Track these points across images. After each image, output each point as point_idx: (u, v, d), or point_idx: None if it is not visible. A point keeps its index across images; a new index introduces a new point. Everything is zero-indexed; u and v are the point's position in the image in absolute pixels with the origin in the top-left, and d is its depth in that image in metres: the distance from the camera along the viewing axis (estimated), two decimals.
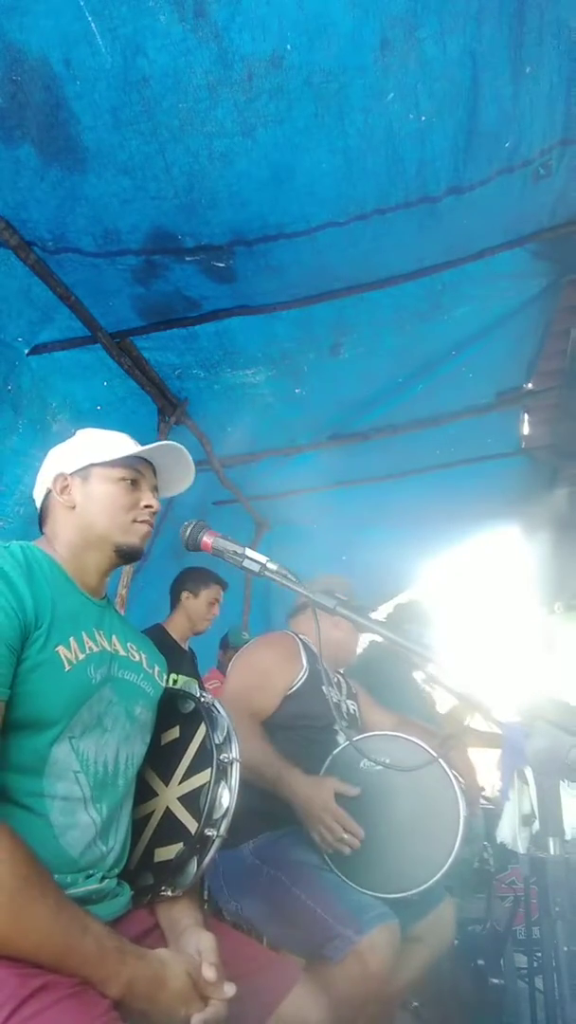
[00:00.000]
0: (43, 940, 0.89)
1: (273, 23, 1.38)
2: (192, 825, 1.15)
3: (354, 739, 1.82)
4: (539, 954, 1.97)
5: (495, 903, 2.45)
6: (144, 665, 1.28)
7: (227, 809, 1.15)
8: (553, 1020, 1.39)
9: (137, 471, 1.29)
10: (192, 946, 1.06)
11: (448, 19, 1.44)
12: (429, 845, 1.60)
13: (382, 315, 2.45)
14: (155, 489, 1.33)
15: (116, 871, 1.14)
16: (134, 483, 1.28)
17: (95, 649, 1.15)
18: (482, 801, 2.56)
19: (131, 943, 0.97)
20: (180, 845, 1.15)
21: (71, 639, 1.10)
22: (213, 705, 1.28)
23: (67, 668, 1.07)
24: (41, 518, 1.32)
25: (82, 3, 1.30)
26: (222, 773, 1.17)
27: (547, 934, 1.34)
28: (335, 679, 2.16)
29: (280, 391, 2.84)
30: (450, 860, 1.56)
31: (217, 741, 1.20)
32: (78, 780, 1.06)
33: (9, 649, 1.00)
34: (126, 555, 1.27)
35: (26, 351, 2.31)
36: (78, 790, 1.06)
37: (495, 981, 2.12)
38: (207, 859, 1.13)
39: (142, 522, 1.27)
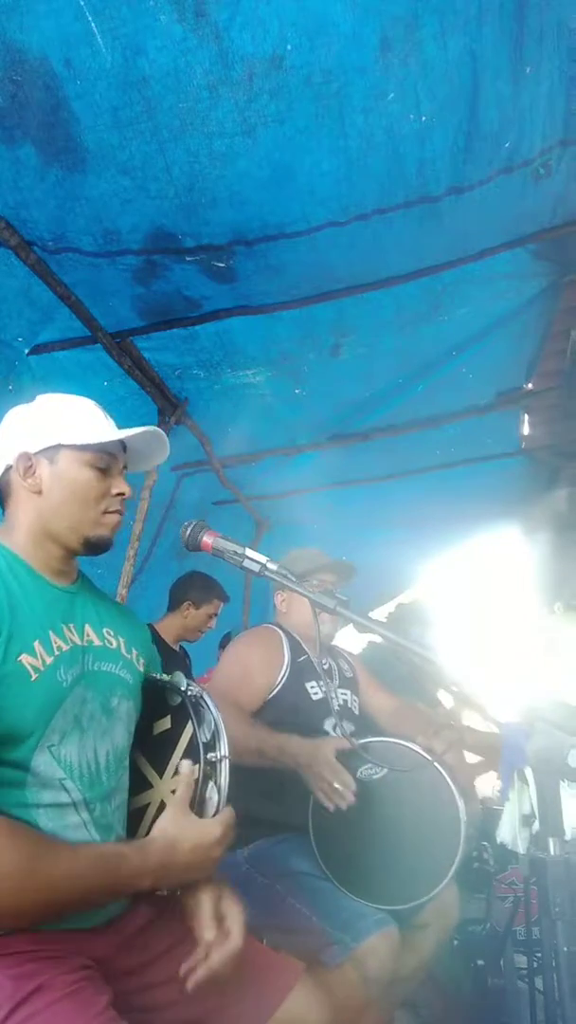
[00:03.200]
0: (77, 885, 0.94)
1: (273, 23, 1.37)
2: (193, 754, 1.15)
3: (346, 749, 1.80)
4: (539, 954, 1.97)
5: (495, 903, 2.45)
6: (123, 651, 1.23)
7: (217, 807, 1.15)
8: (553, 1020, 1.38)
9: (110, 454, 1.19)
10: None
11: (449, 19, 1.44)
12: (429, 855, 1.58)
13: (382, 315, 2.44)
14: (124, 469, 1.23)
15: None
16: (107, 468, 1.18)
17: (64, 648, 1.09)
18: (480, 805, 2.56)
19: (140, 841, 1.06)
20: None
21: (36, 644, 1.04)
22: (201, 698, 1.24)
23: (34, 678, 1.01)
24: (1, 497, 1.22)
25: (82, 3, 1.30)
26: (211, 771, 1.16)
27: (547, 934, 1.34)
28: (326, 664, 2.14)
29: (280, 391, 2.84)
30: (451, 872, 1.55)
31: (204, 739, 1.18)
32: (64, 786, 1.04)
33: None
34: (95, 548, 1.18)
35: (26, 351, 2.31)
36: (66, 795, 1.04)
37: (495, 981, 2.12)
38: (221, 776, 1.15)
39: (114, 512, 1.19)
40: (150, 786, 1.24)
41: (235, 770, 1.18)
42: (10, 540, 1.15)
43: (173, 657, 3.02)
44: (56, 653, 1.07)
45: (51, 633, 1.08)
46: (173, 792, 1.16)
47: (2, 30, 1.33)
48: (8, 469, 1.18)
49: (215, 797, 1.15)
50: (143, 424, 1.24)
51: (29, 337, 2.28)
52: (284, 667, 2.00)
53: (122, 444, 1.22)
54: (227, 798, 1.15)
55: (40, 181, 1.66)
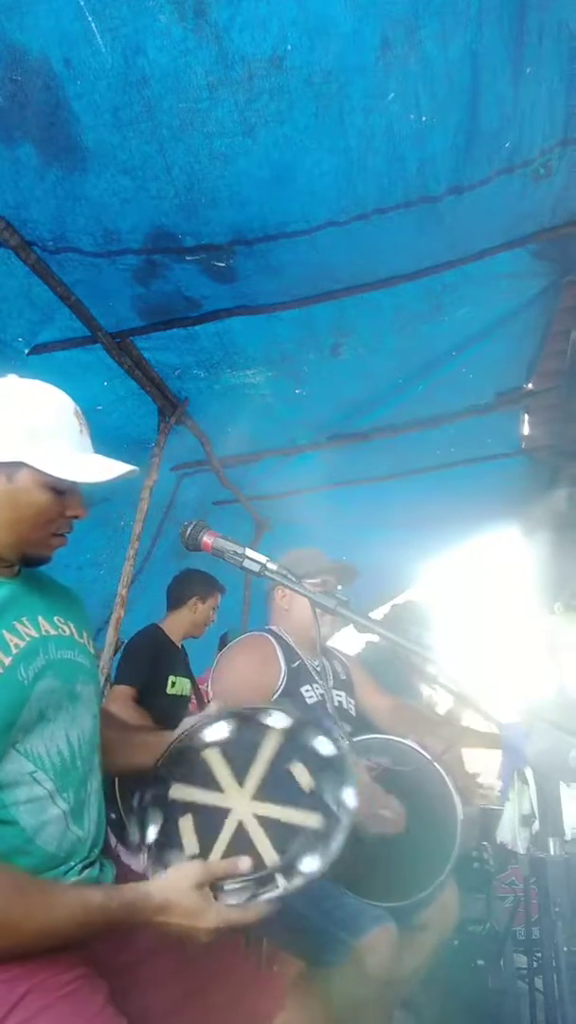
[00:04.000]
0: (49, 931, 0.88)
1: (273, 23, 1.37)
2: (270, 856, 1.03)
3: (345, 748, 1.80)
4: (539, 955, 1.97)
5: (495, 903, 2.45)
6: (76, 637, 1.20)
7: (311, 873, 1.01)
8: (553, 1020, 1.38)
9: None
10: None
11: (449, 20, 1.44)
12: (427, 852, 1.58)
13: (382, 315, 2.44)
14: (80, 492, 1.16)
15: (96, 851, 1.12)
16: (66, 491, 1.12)
17: (21, 644, 1.05)
18: (479, 801, 2.56)
19: (133, 892, 0.97)
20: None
21: None
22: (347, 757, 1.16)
23: None
24: None
25: (82, 3, 1.30)
26: (330, 831, 1.03)
27: (547, 934, 1.34)
28: (319, 666, 2.12)
29: (280, 391, 2.84)
30: (448, 867, 1.55)
31: (343, 799, 1.07)
32: (36, 779, 1.02)
33: None
34: (31, 563, 1.16)
35: (26, 351, 2.31)
36: (40, 788, 1.03)
37: (495, 981, 2.12)
38: (261, 898, 1.00)
39: (60, 535, 1.15)
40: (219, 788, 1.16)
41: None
42: None
43: (177, 656, 3.02)
44: (14, 652, 1.03)
45: (4, 633, 1.04)
46: (256, 814, 1.09)
47: (2, 30, 1.33)
48: None
49: (316, 862, 1.01)
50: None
51: (29, 337, 2.28)
52: (281, 675, 1.98)
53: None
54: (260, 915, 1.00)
55: (40, 181, 1.66)
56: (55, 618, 1.17)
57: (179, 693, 2.95)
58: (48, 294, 2.02)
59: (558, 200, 2.05)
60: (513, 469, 3.93)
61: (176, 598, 3.08)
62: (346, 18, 1.39)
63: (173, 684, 2.92)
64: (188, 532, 1.31)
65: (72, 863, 1.05)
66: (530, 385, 3.25)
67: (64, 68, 1.40)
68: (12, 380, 1.15)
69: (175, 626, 3.01)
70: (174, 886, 0.96)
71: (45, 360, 2.35)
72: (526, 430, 3.64)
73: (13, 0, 1.29)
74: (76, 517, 1.14)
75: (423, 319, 2.53)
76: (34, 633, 1.09)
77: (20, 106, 1.47)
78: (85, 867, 1.07)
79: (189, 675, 3.07)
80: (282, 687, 1.96)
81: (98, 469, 1.12)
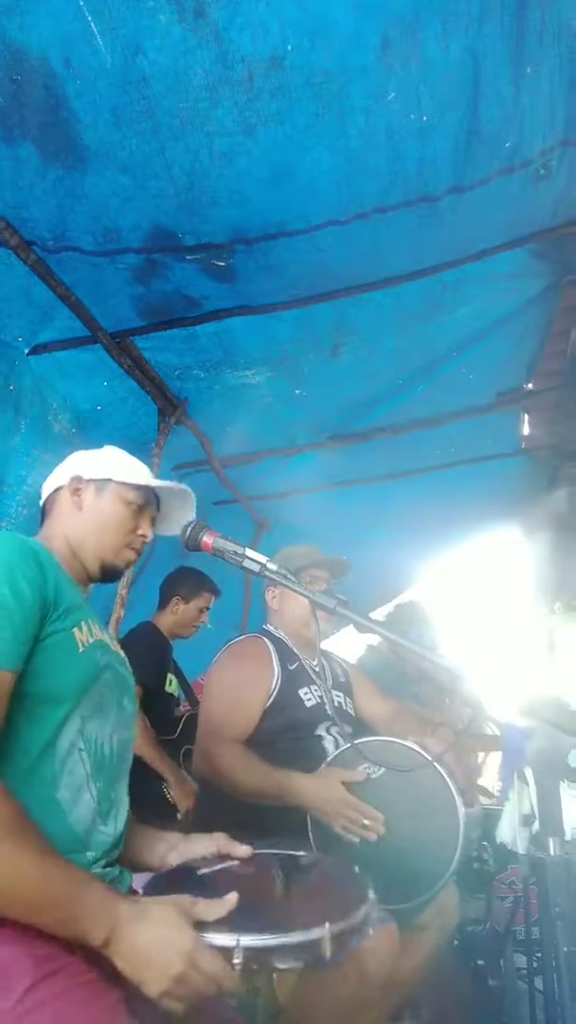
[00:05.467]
0: (35, 891, 0.88)
1: (273, 23, 1.37)
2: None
3: (342, 748, 1.79)
4: (539, 954, 1.97)
5: (495, 903, 2.45)
6: (125, 662, 1.32)
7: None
8: (553, 1020, 1.38)
9: (147, 500, 1.37)
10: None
11: (450, 20, 1.44)
12: (428, 854, 1.57)
13: (383, 315, 2.44)
14: (153, 521, 1.40)
15: (115, 854, 1.14)
16: (140, 509, 1.35)
17: (97, 637, 1.19)
18: (482, 800, 2.56)
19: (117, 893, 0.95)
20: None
21: (82, 623, 1.15)
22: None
23: (80, 650, 1.11)
24: (43, 514, 1.38)
25: (82, 3, 1.30)
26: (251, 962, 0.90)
27: (547, 934, 1.34)
28: (317, 666, 2.11)
29: (280, 392, 2.84)
30: (450, 871, 1.54)
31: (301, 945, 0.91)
32: (82, 757, 1.09)
33: (31, 624, 1.04)
34: (107, 574, 1.33)
35: (26, 351, 2.31)
36: (81, 767, 1.08)
37: (495, 981, 2.12)
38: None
39: (132, 549, 1.34)
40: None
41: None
42: (49, 546, 1.25)
43: (170, 654, 3.01)
44: (94, 638, 1.17)
45: (85, 622, 1.17)
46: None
47: (2, 30, 1.34)
48: (58, 489, 1.35)
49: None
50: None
51: (29, 337, 2.28)
52: (275, 679, 1.96)
53: (156, 499, 1.41)
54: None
55: (40, 180, 1.66)
56: (111, 640, 1.31)
57: (174, 692, 2.96)
58: (48, 294, 2.02)
59: (558, 200, 2.05)
60: (513, 469, 3.94)
61: (161, 597, 3.06)
62: (346, 18, 1.39)
63: (170, 682, 2.92)
64: (188, 532, 1.31)
65: (95, 854, 1.08)
66: (530, 385, 3.26)
67: (64, 68, 1.40)
68: (109, 447, 1.44)
69: (163, 625, 2.99)
70: (158, 902, 0.95)
71: (45, 360, 2.35)
72: (526, 430, 3.65)
73: (13, 0, 1.29)
74: (144, 536, 1.35)
75: (423, 319, 2.54)
76: (101, 637, 1.22)
77: (20, 105, 1.47)
78: (106, 865, 1.10)
79: (177, 673, 3.05)
80: (276, 692, 1.94)
81: (166, 483, 1.39)
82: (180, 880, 1.15)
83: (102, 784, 1.13)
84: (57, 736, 1.06)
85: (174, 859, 1.24)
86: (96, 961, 0.91)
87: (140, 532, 1.34)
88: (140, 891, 1.12)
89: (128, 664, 1.35)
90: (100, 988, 0.89)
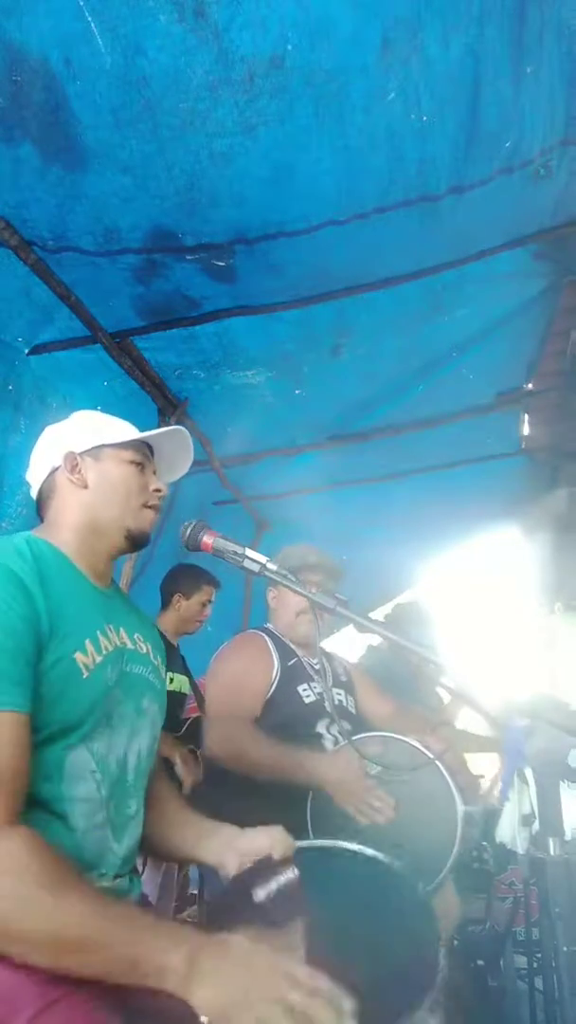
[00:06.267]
0: (88, 931, 0.84)
1: (274, 23, 1.37)
2: None
3: (341, 745, 1.79)
4: (539, 955, 1.97)
5: (495, 904, 2.45)
6: (151, 656, 1.27)
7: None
8: (553, 1021, 1.38)
9: (144, 455, 1.30)
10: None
11: (451, 20, 1.44)
12: (427, 850, 1.57)
13: (383, 316, 2.44)
14: (155, 473, 1.34)
15: (127, 868, 1.13)
16: (141, 467, 1.29)
17: (110, 648, 1.13)
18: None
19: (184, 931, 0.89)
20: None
21: (87, 643, 1.08)
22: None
23: (85, 675, 1.05)
24: (40, 503, 1.30)
25: (82, 3, 1.30)
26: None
27: (547, 935, 1.34)
28: (317, 664, 2.12)
29: (280, 392, 2.84)
30: (448, 866, 1.55)
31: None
32: (95, 779, 1.05)
33: (28, 663, 0.97)
34: (135, 540, 1.26)
35: (26, 351, 2.30)
36: (96, 791, 1.05)
37: (495, 982, 2.12)
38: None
39: (151, 507, 1.28)
40: None
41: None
42: (56, 538, 1.19)
43: (174, 654, 3.02)
44: (104, 653, 1.11)
45: (98, 633, 1.12)
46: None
47: (2, 30, 1.33)
48: (53, 472, 1.27)
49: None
50: (143, 425, 1.32)
51: (29, 337, 2.28)
52: (274, 672, 1.98)
53: (150, 450, 1.34)
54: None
55: (40, 180, 1.66)
56: (136, 635, 1.25)
57: (177, 690, 2.96)
58: (48, 294, 2.01)
59: (558, 200, 2.05)
60: (513, 469, 3.94)
61: (163, 597, 3.08)
62: (347, 18, 1.39)
63: (171, 681, 2.92)
64: (188, 532, 1.31)
65: (103, 871, 1.06)
66: (530, 385, 3.26)
67: (64, 68, 1.40)
68: (77, 413, 1.37)
69: (167, 624, 3.00)
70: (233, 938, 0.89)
71: (45, 360, 2.35)
72: (526, 430, 3.65)
73: (13, 0, 1.29)
74: (159, 491, 1.28)
75: (423, 319, 2.53)
76: (118, 642, 1.17)
77: (20, 106, 1.47)
78: (116, 876, 1.09)
79: (186, 672, 3.06)
80: (276, 682, 1.96)
81: (155, 432, 1.33)
82: (237, 907, 1.09)
83: (117, 801, 1.10)
84: (64, 765, 1.01)
85: (231, 861, 1.18)
86: (99, 991, 0.89)
87: (153, 487, 1.28)
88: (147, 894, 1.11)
89: (160, 648, 1.32)
90: (103, 1018, 0.88)
